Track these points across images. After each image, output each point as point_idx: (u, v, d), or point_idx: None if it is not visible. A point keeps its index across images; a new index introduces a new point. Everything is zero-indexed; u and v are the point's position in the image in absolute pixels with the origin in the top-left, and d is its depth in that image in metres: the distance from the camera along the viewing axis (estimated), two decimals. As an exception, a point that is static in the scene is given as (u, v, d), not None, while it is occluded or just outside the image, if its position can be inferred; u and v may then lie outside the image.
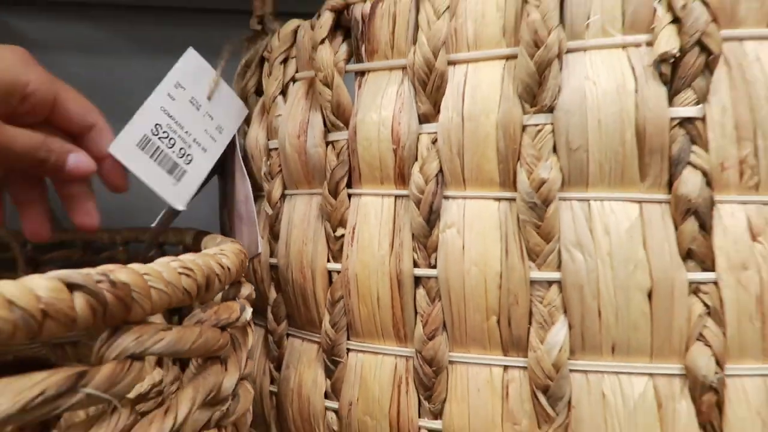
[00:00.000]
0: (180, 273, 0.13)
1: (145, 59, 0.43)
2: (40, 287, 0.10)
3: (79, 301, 0.10)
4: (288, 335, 0.24)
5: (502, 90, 0.19)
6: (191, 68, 0.25)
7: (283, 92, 0.25)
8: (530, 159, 0.18)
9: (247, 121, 0.27)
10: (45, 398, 0.10)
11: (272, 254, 0.24)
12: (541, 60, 0.18)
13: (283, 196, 0.24)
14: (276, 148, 0.24)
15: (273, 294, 0.25)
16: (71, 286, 0.10)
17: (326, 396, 0.22)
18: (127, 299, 0.11)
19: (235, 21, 0.35)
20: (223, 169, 0.29)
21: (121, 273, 0.11)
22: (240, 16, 0.33)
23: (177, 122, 0.24)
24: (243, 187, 0.26)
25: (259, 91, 0.27)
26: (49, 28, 0.42)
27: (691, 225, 0.17)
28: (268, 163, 0.25)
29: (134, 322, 0.12)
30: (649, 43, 0.18)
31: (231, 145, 0.27)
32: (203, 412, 0.14)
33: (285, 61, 0.25)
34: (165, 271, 0.13)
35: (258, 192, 0.26)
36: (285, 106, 0.24)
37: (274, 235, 0.24)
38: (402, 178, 0.20)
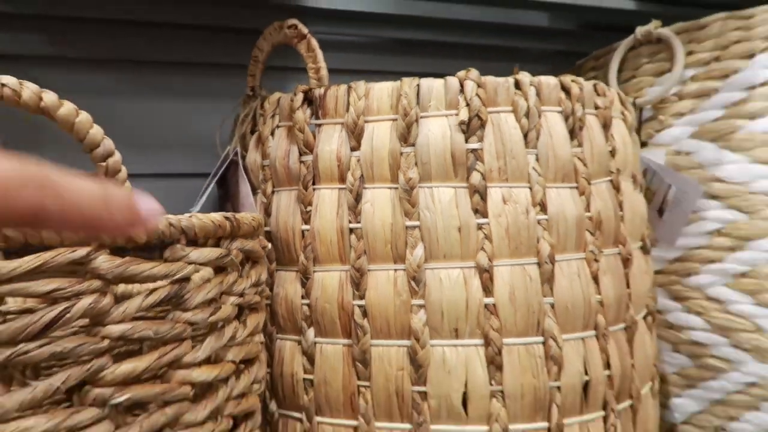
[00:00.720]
0: (225, 217, 0.32)
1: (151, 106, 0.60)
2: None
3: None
4: (277, 270, 0.43)
5: (390, 136, 0.39)
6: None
7: (272, 133, 0.43)
8: (404, 168, 0.38)
9: (245, 148, 0.46)
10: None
11: (266, 225, 0.43)
12: (409, 122, 0.38)
13: (272, 192, 0.43)
14: (267, 165, 0.43)
15: (268, 245, 0.43)
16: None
17: (302, 297, 0.40)
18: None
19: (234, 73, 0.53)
20: (223, 181, 0.47)
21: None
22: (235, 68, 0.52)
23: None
24: (246, 189, 0.44)
25: (252, 131, 0.46)
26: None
27: (477, 198, 0.38)
28: (262, 174, 0.43)
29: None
30: (457, 115, 0.38)
31: (234, 165, 0.45)
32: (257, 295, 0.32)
33: (273, 116, 0.43)
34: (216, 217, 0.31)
35: (254, 191, 0.44)
36: (273, 141, 0.43)
37: (267, 214, 0.43)
38: (342, 179, 0.39)
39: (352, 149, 0.39)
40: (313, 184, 0.40)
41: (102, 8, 0.56)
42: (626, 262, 0.42)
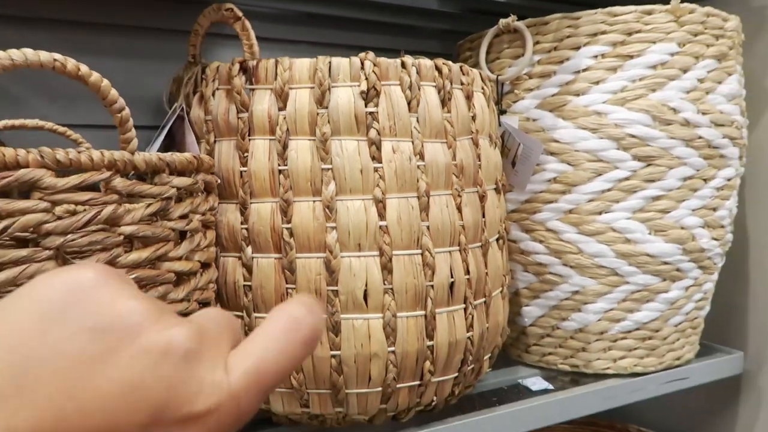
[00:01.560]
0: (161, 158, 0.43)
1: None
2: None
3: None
4: (220, 203, 0.54)
5: (309, 100, 0.51)
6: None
7: (212, 94, 0.54)
8: (320, 125, 0.50)
9: (188, 106, 0.56)
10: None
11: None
12: (323, 90, 0.50)
13: (215, 141, 0.54)
14: (209, 120, 0.54)
15: (218, 180, 0.54)
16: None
17: (241, 224, 0.52)
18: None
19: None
20: (169, 132, 0.58)
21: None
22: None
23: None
24: (191, 138, 0.55)
25: (194, 92, 0.56)
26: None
27: (374, 148, 0.51)
28: (205, 126, 0.54)
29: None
30: (359, 86, 0.51)
31: (180, 119, 0.56)
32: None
33: (213, 80, 0.54)
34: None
35: (198, 141, 0.55)
36: (214, 100, 0.54)
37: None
38: (272, 132, 0.51)
39: (279, 109, 0.51)
40: (249, 135, 0.52)
41: (47, -22, 0.63)
42: (482, 198, 0.58)
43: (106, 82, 0.34)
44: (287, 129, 0.51)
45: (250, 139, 0.52)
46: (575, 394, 0.66)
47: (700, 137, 0.66)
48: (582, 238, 0.67)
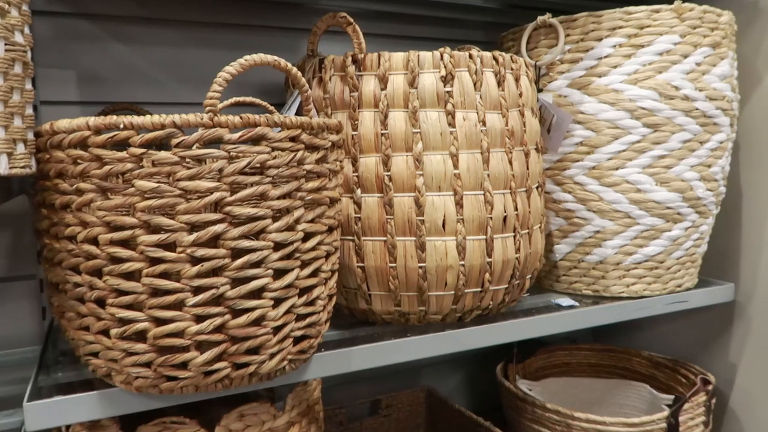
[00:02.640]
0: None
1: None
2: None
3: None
4: (335, 159, 0.74)
5: (403, 82, 0.70)
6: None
7: (329, 79, 0.74)
8: (412, 100, 0.70)
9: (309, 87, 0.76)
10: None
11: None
12: (414, 75, 0.70)
13: (331, 114, 0.74)
14: (327, 97, 0.73)
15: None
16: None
17: (353, 173, 0.72)
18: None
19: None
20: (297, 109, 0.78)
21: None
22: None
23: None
24: (314, 112, 0.75)
25: (313, 77, 0.76)
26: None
27: (449, 117, 0.70)
28: (324, 102, 0.74)
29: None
30: (439, 72, 0.70)
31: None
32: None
33: (330, 68, 0.74)
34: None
35: (318, 113, 0.75)
36: (331, 83, 0.73)
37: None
38: (377, 106, 0.71)
39: (381, 89, 0.71)
40: (359, 108, 0.72)
41: (194, -9, 0.83)
42: (527, 155, 0.77)
43: (298, 72, 0.54)
44: (387, 104, 0.71)
45: (359, 111, 0.72)
46: (595, 308, 0.85)
47: (696, 109, 0.84)
48: (602, 188, 0.86)
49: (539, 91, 0.89)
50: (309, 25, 0.93)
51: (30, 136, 0.52)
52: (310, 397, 0.73)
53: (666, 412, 0.87)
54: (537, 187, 0.81)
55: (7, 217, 0.82)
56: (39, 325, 0.84)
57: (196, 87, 0.92)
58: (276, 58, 0.53)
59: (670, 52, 0.83)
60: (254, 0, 0.92)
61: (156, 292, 0.51)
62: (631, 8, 0.83)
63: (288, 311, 0.56)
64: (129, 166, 0.49)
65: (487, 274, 0.74)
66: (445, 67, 0.70)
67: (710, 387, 0.93)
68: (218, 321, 0.52)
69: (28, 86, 0.53)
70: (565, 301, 0.88)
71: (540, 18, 0.87)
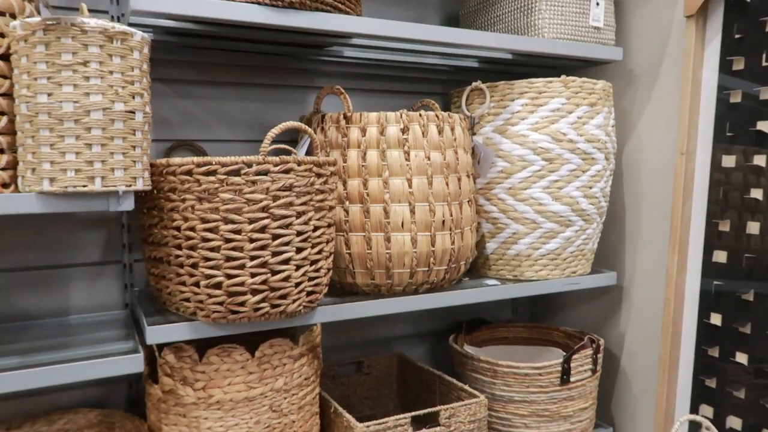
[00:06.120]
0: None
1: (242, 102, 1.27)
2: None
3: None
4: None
5: (376, 131, 1.08)
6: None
7: (328, 128, 1.11)
8: (387, 143, 1.08)
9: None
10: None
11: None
12: (383, 129, 1.08)
13: (329, 152, 1.11)
14: (326, 141, 1.11)
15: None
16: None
17: (343, 190, 1.10)
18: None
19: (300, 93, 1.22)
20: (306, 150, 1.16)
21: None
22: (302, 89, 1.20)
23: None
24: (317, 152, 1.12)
25: (318, 127, 1.14)
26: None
27: (404, 155, 1.08)
28: (324, 144, 1.12)
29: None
30: (400, 125, 1.08)
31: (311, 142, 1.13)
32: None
33: (329, 121, 1.12)
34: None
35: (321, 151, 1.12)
36: (330, 131, 1.11)
37: (327, 160, 1.12)
38: (359, 146, 1.09)
39: (362, 136, 1.08)
40: (347, 148, 1.09)
41: (229, 57, 1.22)
42: (459, 179, 1.15)
43: (313, 133, 0.92)
44: (365, 145, 1.08)
45: (347, 150, 1.09)
46: (511, 286, 1.23)
47: (578, 148, 1.23)
48: (516, 202, 1.24)
49: (473, 134, 1.27)
50: (313, 84, 1.31)
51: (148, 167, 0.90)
52: (314, 340, 1.10)
53: (560, 359, 1.24)
54: (468, 201, 1.19)
55: (100, 220, 1.19)
56: (122, 295, 1.20)
57: (233, 128, 1.29)
58: (301, 124, 0.91)
59: (559, 110, 1.22)
60: (275, 67, 1.30)
61: (228, 258, 0.88)
62: (533, 79, 1.22)
63: (303, 274, 0.93)
64: (216, 185, 0.86)
65: (432, 259, 1.11)
66: (403, 122, 1.08)
67: (595, 345, 1.30)
68: (264, 277, 0.89)
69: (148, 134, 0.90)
70: (492, 282, 1.26)
71: (474, 84, 1.26)
